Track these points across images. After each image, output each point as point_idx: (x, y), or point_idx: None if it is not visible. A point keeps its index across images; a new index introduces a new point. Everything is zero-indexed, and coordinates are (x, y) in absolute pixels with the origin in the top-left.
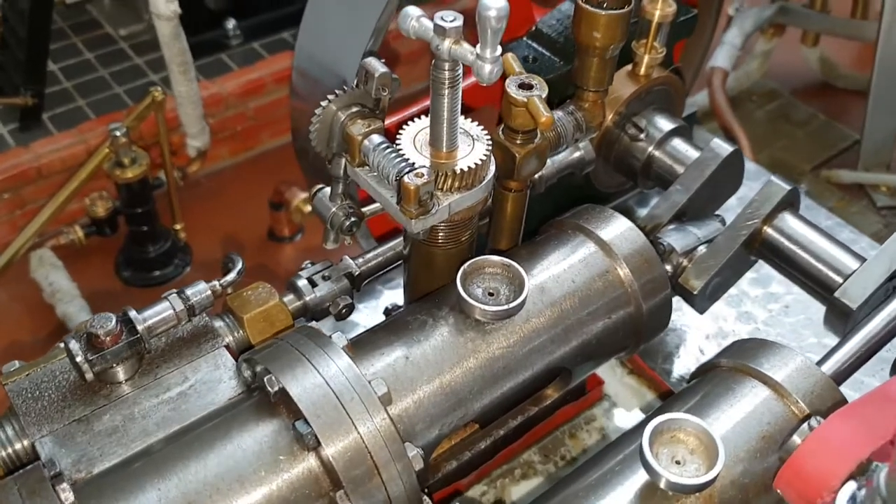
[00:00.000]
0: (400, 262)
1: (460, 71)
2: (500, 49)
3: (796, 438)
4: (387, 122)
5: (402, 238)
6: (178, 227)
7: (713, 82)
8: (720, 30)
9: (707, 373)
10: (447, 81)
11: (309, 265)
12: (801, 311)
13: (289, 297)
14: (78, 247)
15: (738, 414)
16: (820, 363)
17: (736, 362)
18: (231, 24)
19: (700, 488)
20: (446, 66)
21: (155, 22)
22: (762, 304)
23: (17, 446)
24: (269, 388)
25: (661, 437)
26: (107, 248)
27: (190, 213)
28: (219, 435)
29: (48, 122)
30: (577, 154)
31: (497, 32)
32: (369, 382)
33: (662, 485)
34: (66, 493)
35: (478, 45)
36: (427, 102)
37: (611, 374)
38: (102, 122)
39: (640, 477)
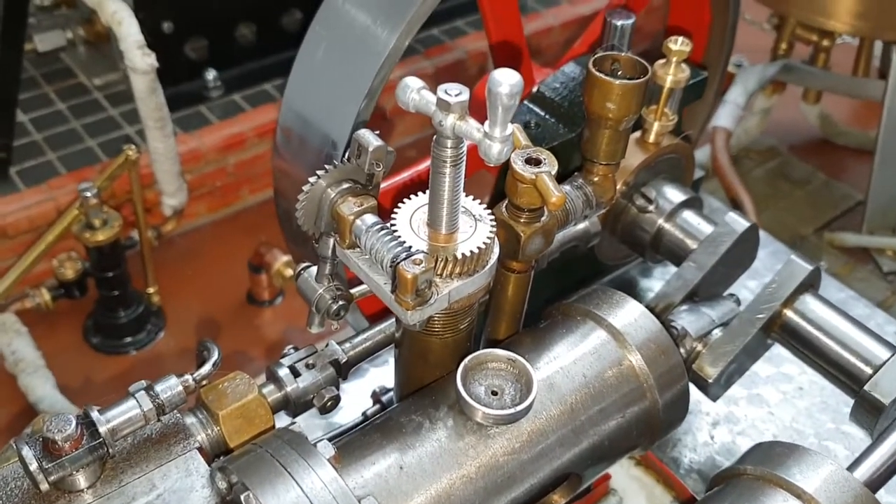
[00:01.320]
0: (391, 344)
1: (464, 148)
2: (510, 127)
3: None
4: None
5: (393, 320)
6: (151, 290)
7: (716, 142)
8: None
9: (730, 479)
10: (449, 160)
11: (291, 351)
12: (817, 392)
13: (269, 389)
14: (44, 310)
15: None
16: (852, 468)
17: (763, 470)
18: (211, 74)
19: None
20: (449, 143)
21: (130, 76)
22: (775, 384)
23: None
24: None
25: None
26: (75, 312)
27: (164, 274)
28: None
29: (16, 177)
30: (582, 226)
31: (508, 110)
32: (359, 501)
33: None
34: None
35: (486, 123)
36: (420, 167)
37: (617, 466)
38: (73, 178)
39: None
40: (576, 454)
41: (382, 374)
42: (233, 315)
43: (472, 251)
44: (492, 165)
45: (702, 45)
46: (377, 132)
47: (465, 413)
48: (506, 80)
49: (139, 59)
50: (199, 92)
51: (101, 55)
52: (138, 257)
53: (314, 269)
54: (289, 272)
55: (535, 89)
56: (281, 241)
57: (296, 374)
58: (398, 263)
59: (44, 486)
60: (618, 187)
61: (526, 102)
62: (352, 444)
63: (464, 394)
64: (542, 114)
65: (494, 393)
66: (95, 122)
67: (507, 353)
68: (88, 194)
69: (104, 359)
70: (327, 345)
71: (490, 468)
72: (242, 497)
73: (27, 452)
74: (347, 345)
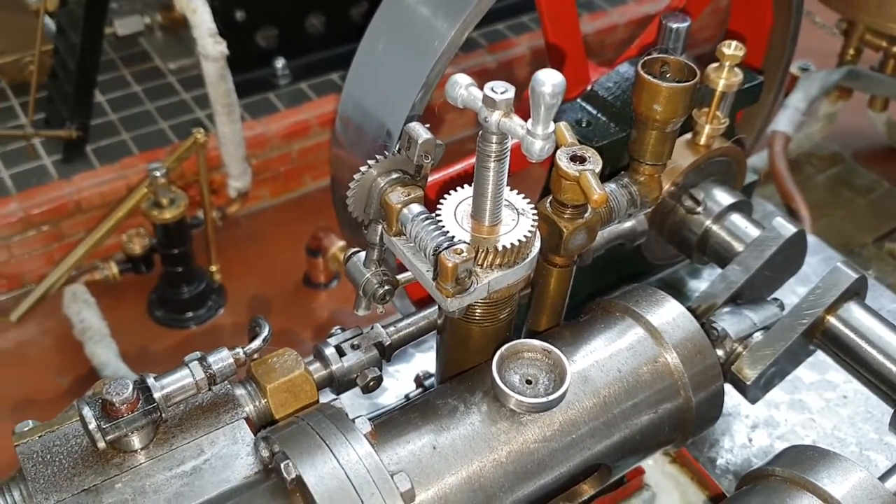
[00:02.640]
0: (433, 331)
1: (508, 144)
2: (552, 125)
3: None
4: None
5: (436, 307)
6: (213, 268)
7: (774, 147)
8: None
9: (759, 480)
10: (494, 154)
11: (339, 331)
12: (861, 402)
13: (315, 366)
14: (112, 283)
15: None
16: (884, 478)
17: (791, 473)
18: (280, 63)
19: None
20: (494, 139)
21: (201, 62)
22: (818, 391)
23: None
24: (286, 475)
25: None
26: (141, 286)
27: (227, 253)
28: None
29: (91, 155)
30: (628, 224)
31: (551, 109)
32: (391, 476)
33: None
34: None
35: (529, 120)
36: (471, 160)
37: (652, 462)
38: (144, 158)
39: None
40: (607, 446)
41: (427, 359)
42: (289, 296)
43: (512, 243)
44: (533, 161)
45: (762, 50)
46: (428, 126)
47: (499, 399)
48: (549, 80)
49: (210, 46)
50: (268, 79)
51: (176, 40)
52: (203, 236)
53: (363, 254)
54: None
55: (588, 89)
56: (338, 227)
57: (341, 353)
58: (440, 252)
59: (101, 444)
60: (666, 188)
61: (579, 100)
62: (389, 423)
63: (498, 381)
64: (595, 112)
65: (529, 382)
66: (168, 105)
67: (542, 344)
68: (157, 174)
69: (165, 332)
70: (372, 327)
71: (521, 454)
72: (282, 465)
73: (87, 412)
74: (392, 328)
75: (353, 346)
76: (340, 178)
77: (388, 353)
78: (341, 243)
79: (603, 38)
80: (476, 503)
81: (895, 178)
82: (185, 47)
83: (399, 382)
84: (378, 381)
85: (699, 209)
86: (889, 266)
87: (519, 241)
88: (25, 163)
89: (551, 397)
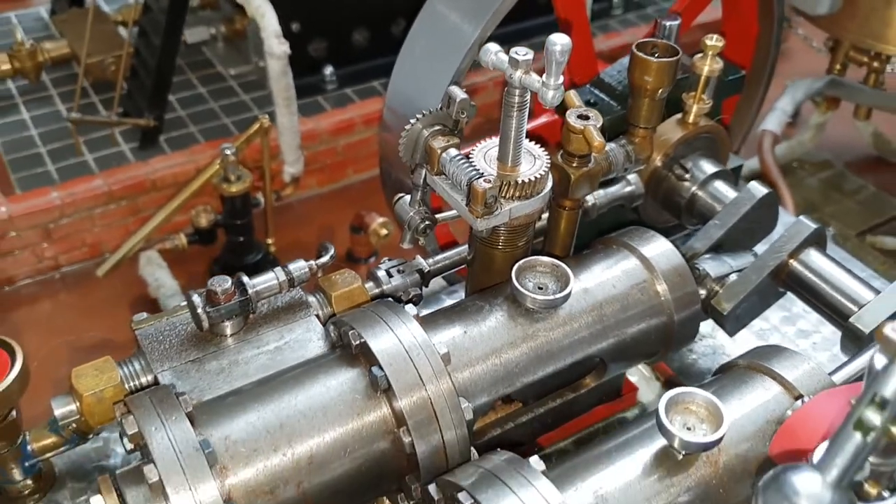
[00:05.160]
0: (463, 265)
1: (528, 97)
2: (562, 78)
3: (788, 412)
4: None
5: (466, 245)
6: (270, 241)
7: (763, 143)
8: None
9: (727, 370)
10: (516, 105)
11: (387, 260)
12: (828, 347)
13: (369, 284)
14: (180, 251)
15: (750, 403)
16: (832, 373)
17: (752, 362)
18: (329, 70)
19: (707, 447)
20: (517, 92)
21: (267, 60)
22: (792, 340)
23: (143, 379)
24: (353, 341)
25: (676, 407)
26: (205, 256)
27: (280, 231)
28: (308, 377)
29: (164, 144)
30: (628, 188)
31: (560, 64)
32: (434, 345)
33: (675, 444)
34: (187, 404)
35: (544, 75)
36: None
37: (645, 385)
38: (210, 146)
39: (656, 443)
40: (603, 345)
41: None
42: (334, 269)
43: (530, 179)
44: (547, 107)
45: (749, 53)
46: (464, 89)
47: (517, 300)
48: (559, 41)
49: (276, 45)
50: (318, 85)
51: (236, 50)
52: (260, 217)
53: (408, 197)
54: (384, 231)
55: (596, 77)
56: (378, 209)
57: (390, 275)
58: (472, 182)
59: (205, 325)
60: (659, 158)
61: (588, 86)
62: (429, 318)
63: (517, 285)
64: (601, 95)
65: (540, 288)
66: (230, 105)
67: (551, 259)
68: (228, 152)
69: None
70: (415, 258)
71: (534, 343)
72: (350, 334)
73: (196, 299)
74: (430, 260)
75: (399, 271)
76: (387, 157)
77: (426, 279)
78: (381, 220)
79: (619, 55)
80: (497, 377)
81: (883, 183)
82: (244, 56)
83: None
84: (419, 297)
85: (687, 176)
86: (870, 256)
87: (535, 177)
88: (107, 148)
89: (558, 296)
